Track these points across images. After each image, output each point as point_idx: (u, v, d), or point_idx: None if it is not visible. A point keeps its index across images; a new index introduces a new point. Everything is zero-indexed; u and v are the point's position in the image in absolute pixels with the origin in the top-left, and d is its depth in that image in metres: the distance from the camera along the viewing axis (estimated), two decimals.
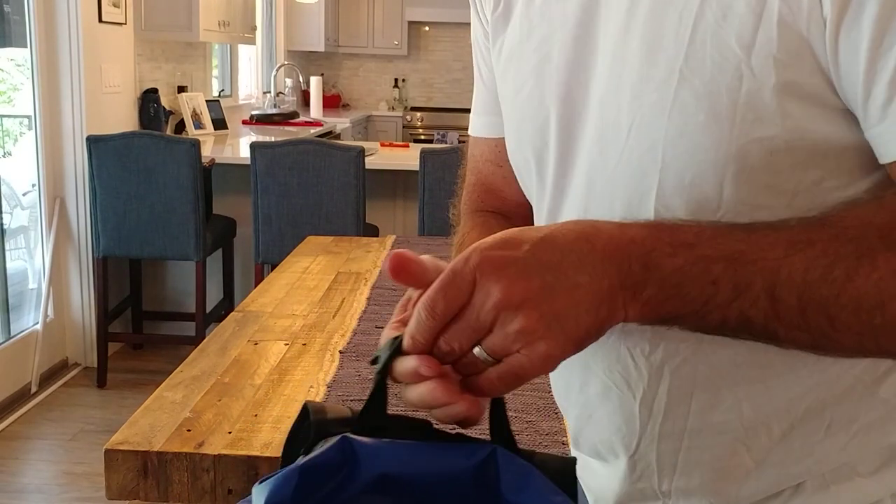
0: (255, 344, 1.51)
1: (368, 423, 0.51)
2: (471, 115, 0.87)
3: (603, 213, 0.62)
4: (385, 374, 0.51)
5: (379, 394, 0.51)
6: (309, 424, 0.52)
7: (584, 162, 0.65)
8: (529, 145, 0.71)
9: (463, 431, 0.52)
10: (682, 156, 0.58)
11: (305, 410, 0.52)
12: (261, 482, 0.48)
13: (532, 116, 0.69)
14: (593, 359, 0.68)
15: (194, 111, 4.40)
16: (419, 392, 0.49)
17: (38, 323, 3.43)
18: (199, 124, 4.40)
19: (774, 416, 0.63)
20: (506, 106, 0.75)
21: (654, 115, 0.59)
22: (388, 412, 0.52)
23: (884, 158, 0.54)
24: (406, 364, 0.49)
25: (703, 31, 0.57)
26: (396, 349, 0.51)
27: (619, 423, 0.69)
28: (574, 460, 0.55)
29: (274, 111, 5.47)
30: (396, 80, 7.83)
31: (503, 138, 0.78)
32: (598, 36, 0.63)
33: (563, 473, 0.52)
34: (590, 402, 0.71)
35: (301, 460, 0.48)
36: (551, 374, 0.75)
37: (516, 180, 0.78)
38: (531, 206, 0.76)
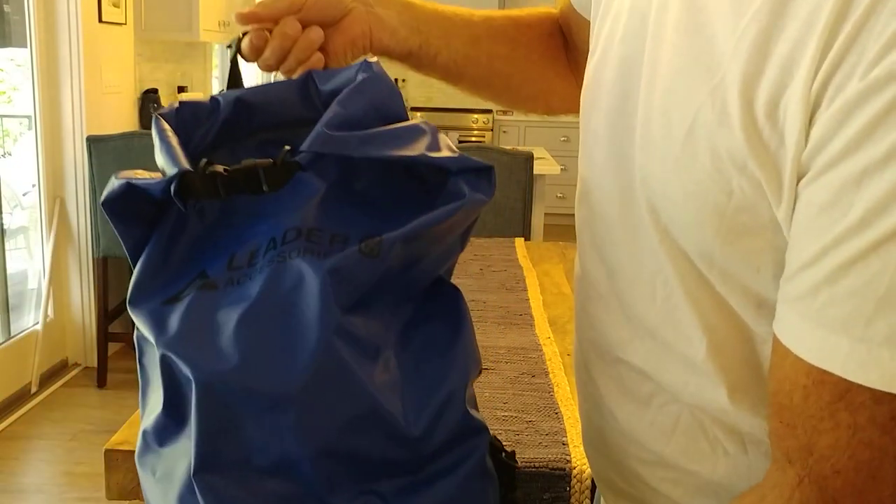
0: None
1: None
2: None
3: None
4: (237, 50, 0.72)
5: (234, 69, 0.72)
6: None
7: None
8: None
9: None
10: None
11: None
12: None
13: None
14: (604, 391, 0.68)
15: None
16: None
17: (38, 323, 3.43)
18: None
19: None
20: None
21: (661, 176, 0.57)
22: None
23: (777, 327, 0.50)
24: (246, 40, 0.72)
25: (699, 130, 0.52)
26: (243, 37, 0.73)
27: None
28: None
29: None
30: (396, 79, 7.79)
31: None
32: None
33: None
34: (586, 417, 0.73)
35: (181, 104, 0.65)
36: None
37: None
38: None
